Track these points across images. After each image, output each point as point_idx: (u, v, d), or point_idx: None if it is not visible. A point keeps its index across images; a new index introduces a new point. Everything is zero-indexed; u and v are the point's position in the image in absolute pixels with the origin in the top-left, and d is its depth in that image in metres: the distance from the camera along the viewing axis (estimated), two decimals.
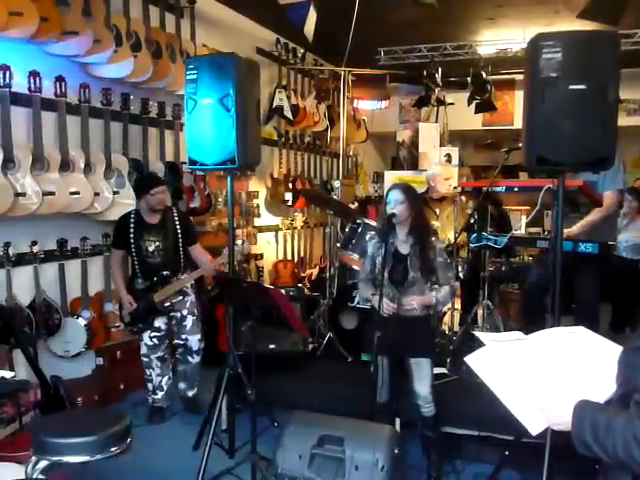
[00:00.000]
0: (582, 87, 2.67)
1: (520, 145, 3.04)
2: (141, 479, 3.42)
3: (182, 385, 4.24)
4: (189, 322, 4.13)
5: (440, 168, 5.22)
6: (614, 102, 2.71)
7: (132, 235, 4.04)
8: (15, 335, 3.65)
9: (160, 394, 4.13)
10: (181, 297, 4.12)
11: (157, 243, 4.04)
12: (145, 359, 4.10)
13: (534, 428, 1.64)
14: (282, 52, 6.91)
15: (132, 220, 4.05)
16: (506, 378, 1.77)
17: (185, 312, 4.12)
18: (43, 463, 2.43)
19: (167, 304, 4.07)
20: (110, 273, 4.43)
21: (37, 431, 2.49)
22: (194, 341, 4.15)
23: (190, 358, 4.16)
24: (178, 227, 4.10)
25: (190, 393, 4.23)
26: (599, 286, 4.18)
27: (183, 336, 4.15)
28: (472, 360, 1.91)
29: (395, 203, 3.19)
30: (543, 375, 1.72)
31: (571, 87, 2.68)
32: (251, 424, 3.19)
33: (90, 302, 4.41)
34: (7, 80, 3.65)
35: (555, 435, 2.71)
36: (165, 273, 4.03)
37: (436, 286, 3.25)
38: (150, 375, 4.11)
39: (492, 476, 3.17)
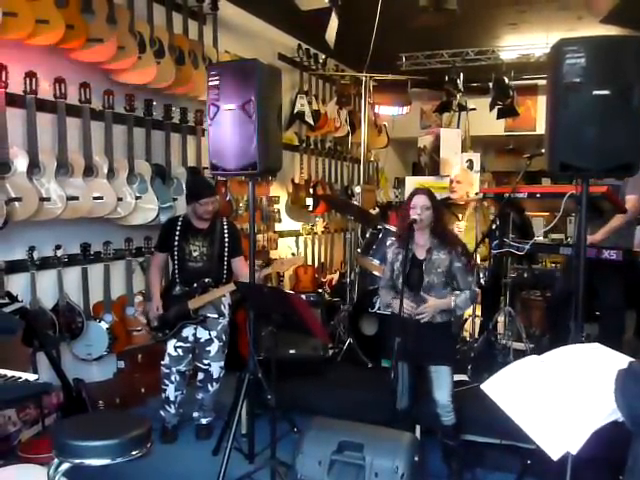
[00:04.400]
0: (606, 92, 2.64)
1: (543, 151, 3.02)
2: None
3: (196, 414, 4.11)
4: (214, 348, 3.99)
5: (458, 171, 5.21)
6: (639, 107, 2.68)
7: (177, 237, 3.96)
8: (39, 338, 3.69)
9: (173, 409, 4.02)
10: (216, 315, 4.00)
11: (202, 249, 3.96)
12: (165, 370, 4.00)
13: (554, 453, 1.63)
14: (303, 58, 6.93)
15: (180, 223, 4.01)
16: (523, 403, 1.76)
17: (214, 334, 3.98)
18: (65, 465, 2.45)
19: (201, 314, 3.95)
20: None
21: (59, 434, 2.51)
22: (216, 368, 4.02)
23: (210, 386, 4.03)
24: (226, 237, 4.00)
25: (204, 421, 4.11)
26: (623, 293, 4.13)
27: (206, 361, 4.00)
28: (489, 387, 1.89)
29: (422, 209, 3.20)
30: (558, 395, 1.70)
31: (595, 92, 2.65)
32: (271, 429, 3.19)
33: (112, 306, 4.44)
34: (33, 86, 3.71)
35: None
36: (207, 280, 3.92)
37: (457, 292, 3.23)
38: (167, 387, 4.00)
39: None
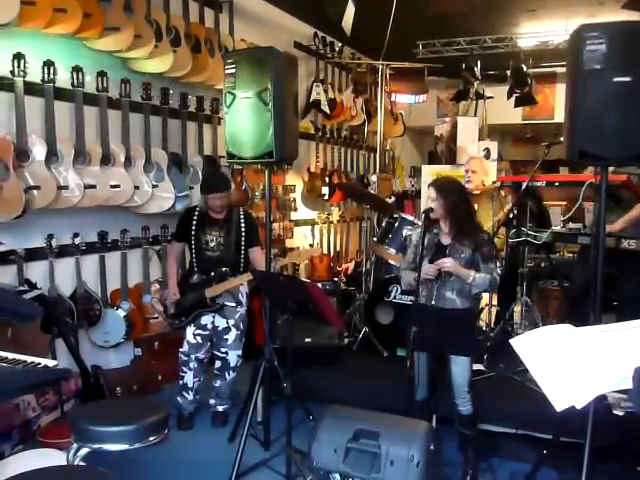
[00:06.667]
0: (627, 79, 2.60)
1: (561, 139, 2.98)
2: (178, 469, 3.47)
3: (213, 401, 4.14)
4: (232, 336, 4.01)
5: (474, 161, 5.18)
6: None
7: (194, 227, 4.00)
8: (57, 325, 3.73)
9: (190, 395, 4.05)
10: (234, 304, 4.02)
11: (219, 239, 3.97)
12: (184, 357, 4.02)
13: (559, 404, 1.63)
14: (320, 46, 6.90)
15: (197, 213, 4.03)
16: (543, 358, 1.76)
17: (231, 323, 4.01)
18: (84, 450, 2.48)
19: (218, 302, 3.96)
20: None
21: (78, 419, 2.54)
22: (234, 357, 4.04)
23: (227, 375, 4.06)
24: (243, 227, 4.00)
25: (221, 408, 4.14)
26: None
27: (223, 350, 4.03)
28: (516, 342, 1.90)
29: (429, 200, 3.25)
30: (579, 354, 1.70)
31: (615, 79, 2.61)
32: (286, 417, 3.20)
33: (129, 293, 4.48)
34: (51, 75, 3.73)
35: (595, 434, 2.67)
36: (224, 269, 3.94)
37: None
38: (185, 374, 4.03)
39: (530, 475, 3.12)
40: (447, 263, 3.14)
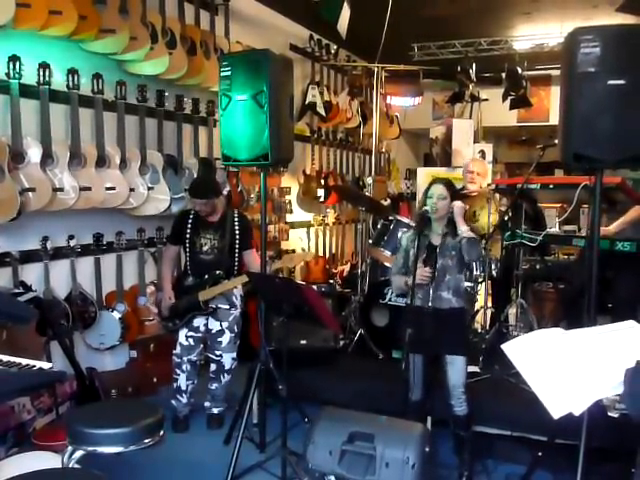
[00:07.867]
0: (621, 82, 2.61)
1: (556, 142, 2.99)
2: (173, 471, 3.47)
3: (208, 404, 4.14)
4: (225, 339, 4.01)
5: (477, 162, 5.18)
6: None
7: (189, 230, 4.00)
8: (52, 327, 3.72)
9: (185, 398, 4.04)
10: (228, 306, 4.02)
11: (213, 242, 3.97)
12: (177, 359, 4.03)
13: (556, 412, 1.64)
14: (315, 48, 6.90)
15: (191, 216, 4.03)
16: (537, 364, 1.77)
17: (225, 325, 4.00)
18: (79, 453, 2.48)
19: (212, 305, 3.96)
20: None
21: (73, 421, 2.54)
22: (228, 360, 4.04)
23: (222, 377, 4.06)
24: (237, 229, 4.00)
25: (216, 410, 4.14)
26: (638, 285, 4.10)
27: (218, 352, 4.03)
28: (508, 347, 1.90)
29: (438, 198, 3.25)
30: (572, 360, 1.70)
31: (610, 82, 2.62)
32: (282, 419, 3.21)
33: (125, 296, 4.47)
34: (47, 78, 3.72)
35: (590, 436, 2.68)
36: (218, 272, 3.93)
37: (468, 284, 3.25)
38: (178, 376, 4.03)
39: (525, 476, 3.13)
40: (456, 204, 3.24)
